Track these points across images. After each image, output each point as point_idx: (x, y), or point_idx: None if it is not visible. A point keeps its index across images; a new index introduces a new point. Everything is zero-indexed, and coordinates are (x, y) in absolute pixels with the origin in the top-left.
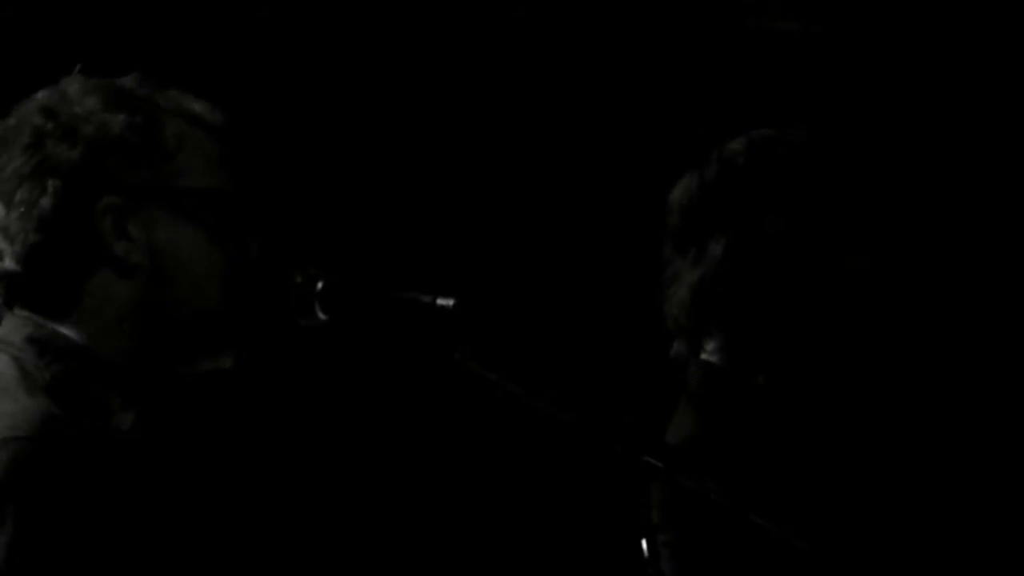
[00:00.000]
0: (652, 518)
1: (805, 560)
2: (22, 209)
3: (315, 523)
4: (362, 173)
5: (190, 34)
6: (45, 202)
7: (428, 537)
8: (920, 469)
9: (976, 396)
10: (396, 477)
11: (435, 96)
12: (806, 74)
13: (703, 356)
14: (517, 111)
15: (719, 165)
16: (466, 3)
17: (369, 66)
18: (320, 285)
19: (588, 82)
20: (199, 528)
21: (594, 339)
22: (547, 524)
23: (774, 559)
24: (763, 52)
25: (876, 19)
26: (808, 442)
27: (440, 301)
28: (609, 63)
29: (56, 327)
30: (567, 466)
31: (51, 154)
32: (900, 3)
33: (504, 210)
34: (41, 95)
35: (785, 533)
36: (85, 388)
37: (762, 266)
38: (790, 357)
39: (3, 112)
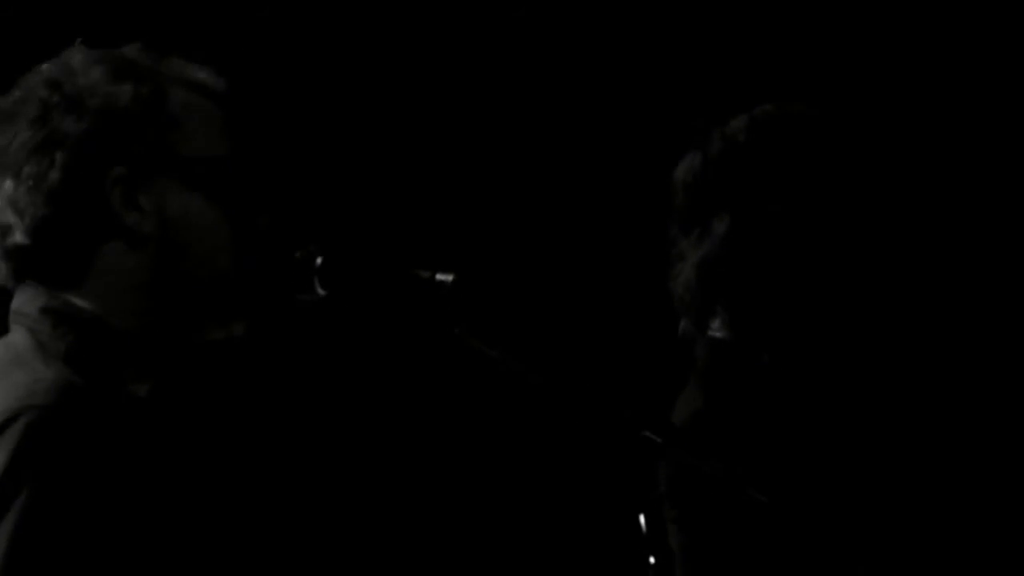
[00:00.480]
0: (653, 493)
1: (805, 535)
2: (31, 183)
3: (322, 494)
4: (362, 150)
5: (190, 19)
6: (53, 175)
7: (429, 511)
8: (920, 449)
9: (976, 380)
10: (397, 450)
11: (434, 72)
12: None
13: (710, 333)
14: (514, 89)
15: (721, 143)
16: None
17: (370, 45)
18: (319, 261)
19: (583, 59)
20: (213, 496)
21: (599, 318)
22: (549, 500)
23: (776, 535)
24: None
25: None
26: (812, 418)
27: (439, 276)
28: (602, 41)
29: (69, 297)
30: (567, 442)
31: (58, 127)
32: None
33: (507, 187)
34: (46, 67)
35: (784, 509)
36: (100, 357)
37: (765, 244)
38: (794, 334)
39: (8, 85)
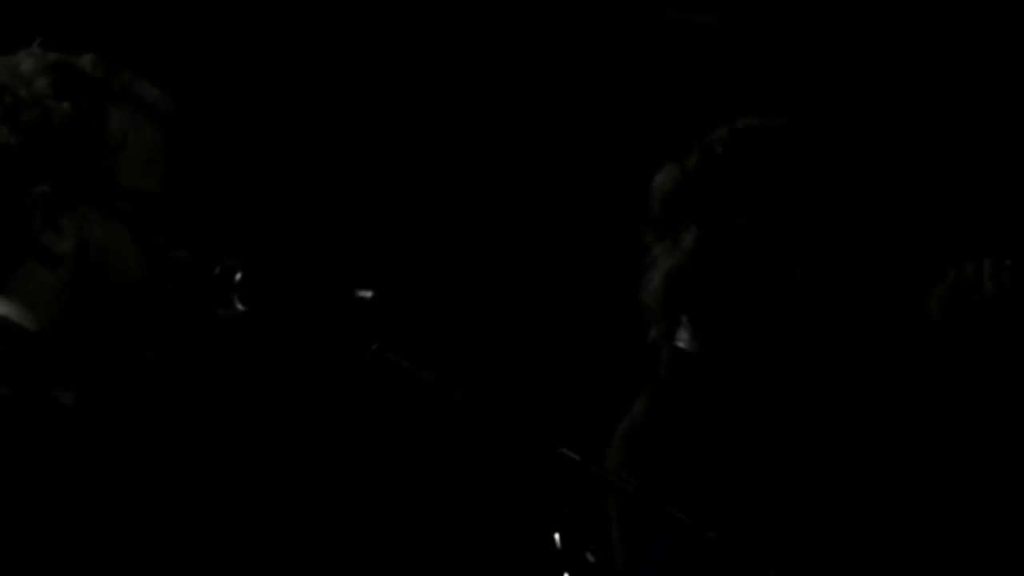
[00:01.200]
0: (568, 510)
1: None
2: None
3: (240, 505)
4: (283, 164)
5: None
6: None
7: (345, 524)
8: (887, 465)
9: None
10: (316, 464)
11: (359, 84)
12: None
13: (675, 343)
14: (440, 101)
15: (699, 154)
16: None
17: (297, 56)
18: (239, 276)
19: (512, 72)
20: (138, 503)
21: (527, 332)
22: (464, 517)
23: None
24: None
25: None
26: (770, 432)
27: (360, 292)
28: (538, 48)
29: None
30: (485, 458)
31: None
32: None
33: (428, 202)
34: None
35: (703, 527)
36: (23, 365)
37: (730, 257)
38: (757, 348)
39: None
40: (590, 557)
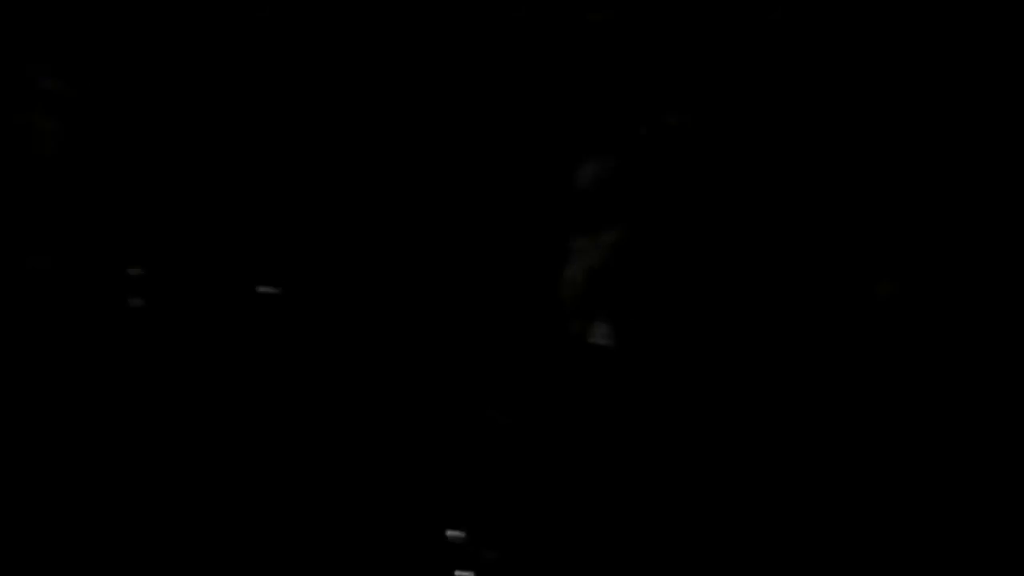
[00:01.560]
0: (462, 505)
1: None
2: None
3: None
4: (194, 162)
5: None
6: None
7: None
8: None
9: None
10: (229, 460)
11: (250, 81)
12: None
13: (592, 339)
14: (338, 97)
15: (621, 152)
16: None
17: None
18: (139, 272)
19: (412, 68)
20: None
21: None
22: (359, 515)
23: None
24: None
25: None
26: (679, 428)
27: (263, 289)
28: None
29: None
30: (380, 457)
31: None
32: None
33: (337, 199)
34: None
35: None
36: None
37: (652, 257)
38: (674, 346)
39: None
40: (490, 554)
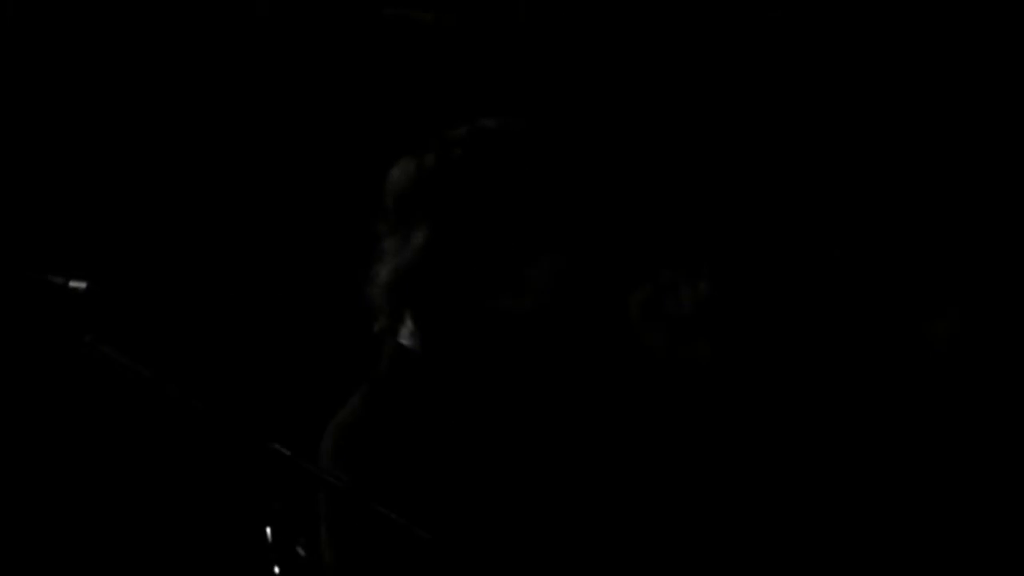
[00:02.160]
0: (279, 505)
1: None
2: None
3: None
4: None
5: None
6: None
7: (53, 516)
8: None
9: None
10: (27, 457)
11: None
12: (443, 63)
13: (398, 339)
14: (169, 93)
15: (436, 153)
16: None
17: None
18: None
19: (251, 66)
20: None
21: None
22: (176, 512)
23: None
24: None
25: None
26: (480, 432)
27: (72, 283)
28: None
29: None
30: (198, 451)
31: None
32: None
33: (144, 191)
34: None
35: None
36: None
37: (458, 260)
38: (475, 351)
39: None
40: (300, 551)
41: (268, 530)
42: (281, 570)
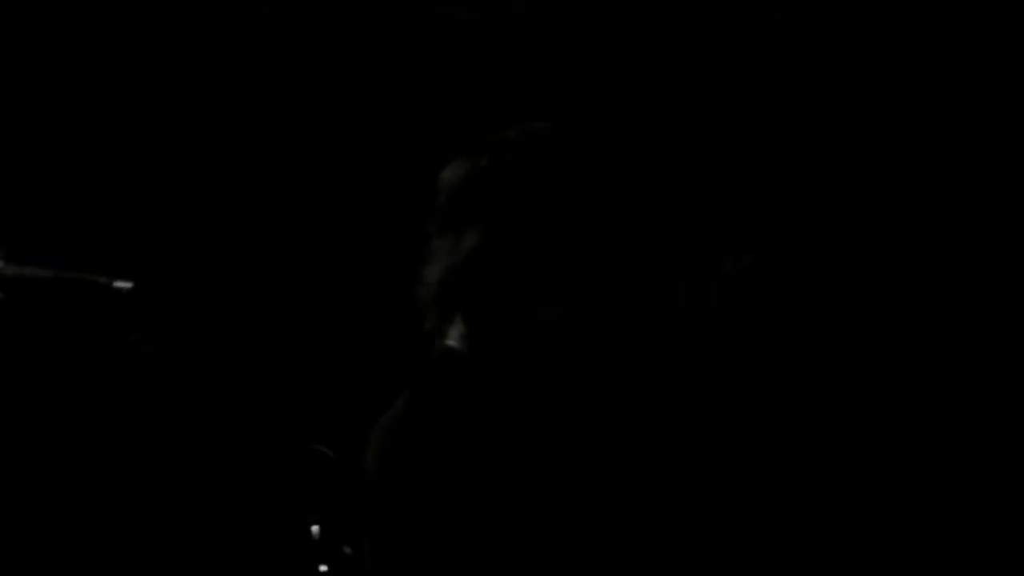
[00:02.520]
0: (327, 503)
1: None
2: None
3: None
4: (44, 151)
5: None
6: None
7: (96, 515)
8: (651, 473)
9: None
10: (72, 456)
11: (127, 78)
12: (493, 63)
13: (446, 341)
14: (205, 96)
15: (488, 154)
16: None
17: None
18: None
19: (274, 63)
20: None
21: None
22: (223, 508)
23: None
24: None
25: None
26: (526, 436)
27: (117, 283)
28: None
29: None
30: (244, 449)
31: None
32: None
33: (191, 194)
34: None
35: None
36: None
37: (509, 263)
38: (524, 355)
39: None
40: (347, 549)
41: (315, 529)
42: (328, 569)
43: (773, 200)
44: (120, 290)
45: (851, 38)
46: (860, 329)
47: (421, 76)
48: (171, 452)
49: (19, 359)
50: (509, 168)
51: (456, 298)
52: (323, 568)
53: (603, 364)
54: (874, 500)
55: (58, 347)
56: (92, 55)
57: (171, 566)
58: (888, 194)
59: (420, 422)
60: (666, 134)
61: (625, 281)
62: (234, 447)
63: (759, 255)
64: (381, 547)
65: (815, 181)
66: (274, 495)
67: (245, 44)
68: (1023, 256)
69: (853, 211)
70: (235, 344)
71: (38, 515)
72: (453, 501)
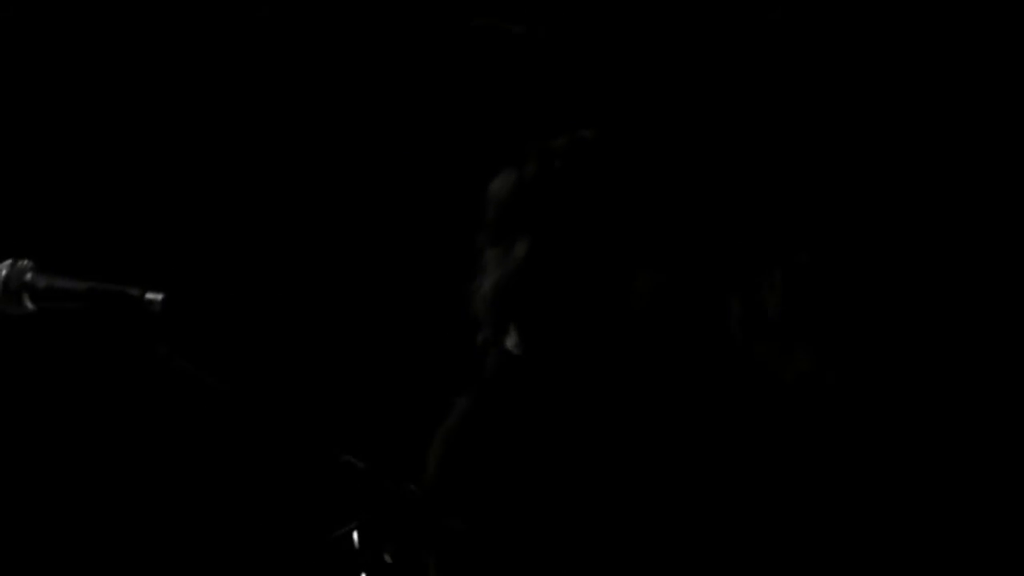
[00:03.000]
0: (366, 512)
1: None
2: None
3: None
4: (75, 163)
5: None
6: None
7: (122, 525)
8: (709, 473)
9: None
10: (107, 467)
11: (151, 83)
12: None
13: (504, 346)
14: (237, 102)
15: (536, 164)
16: None
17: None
18: (29, 276)
19: (306, 72)
20: None
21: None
22: (257, 519)
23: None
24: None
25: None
26: (587, 439)
27: (149, 295)
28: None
29: None
30: (272, 463)
31: None
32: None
33: (220, 206)
34: None
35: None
36: None
37: (561, 270)
38: (581, 360)
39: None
40: (387, 558)
41: (355, 536)
42: None
43: (812, 202)
44: (152, 302)
45: (851, 38)
46: (907, 327)
47: (469, 89)
48: (200, 464)
49: (49, 370)
50: (556, 177)
51: (510, 307)
52: None
53: (659, 367)
54: (895, 503)
55: (89, 358)
56: (94, 58)
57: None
58: (888, 192)
59: (485, 425)
60: (700, 139)
61: (677, 285)
62: (265, 457)
63: (811, 255)
64: (447, 551)
65: (829, 181)
66: (304, 506)
67: (245, 44)
68: None
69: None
70: (266, 356)
71: (65, 523)
72: (517, 503)
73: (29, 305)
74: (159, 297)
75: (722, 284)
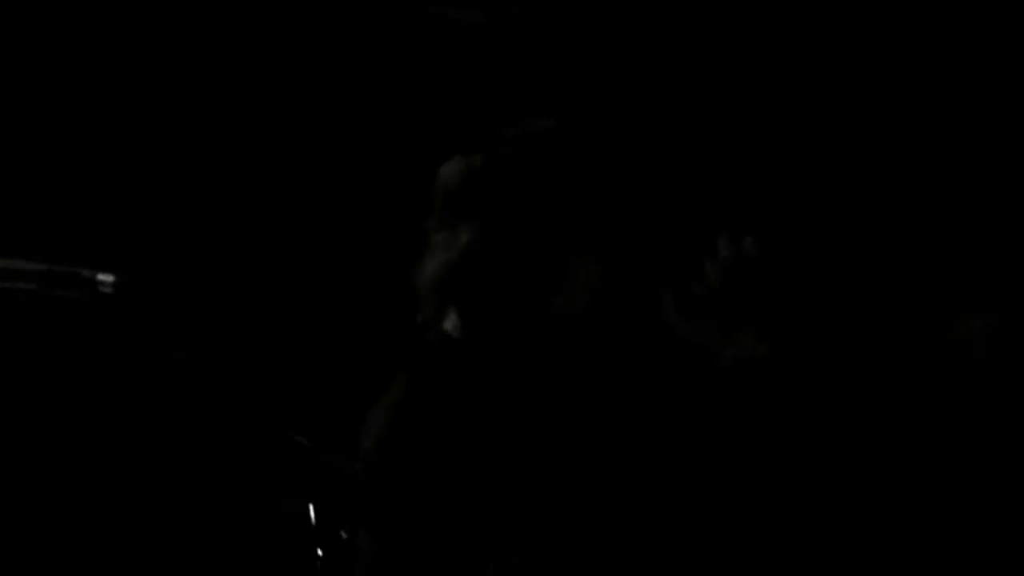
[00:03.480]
0: (323, 490)
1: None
2: None
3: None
4: (27, 147)
5: None
6: None
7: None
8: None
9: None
10: (68, 451)
11: (105, 66)
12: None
13: (442, 327)
14: (214, 92)
15: (485, 152)
16: None
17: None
18: None
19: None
20: None
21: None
22: (217, 497)
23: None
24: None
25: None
26: (520, 422)
27: (100, 276)
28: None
29: None
30: (234, 435)
31: None
32: None
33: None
34: None
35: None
36: None
37: (503, 257)
38: (518, 344)
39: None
40: (343, 534)
41: (311, 512)
42: (324, 553)
43: (771, 191)
44: (103, 283)
45: (851, 37)
46: (861, 320)
47: (423, 77)
48: (191, 451)
49: (11, 356)
50: (504, 164)
51: (452, 292)
52: (319, 552)
53: (600, 353)
54: (878, 501)
55: (45, 342)
56: (91, 54)
57: (175, 550)
58: (886, 190)
59: (418, 405)
60: (663, 130)
61: (620, 273)
62: (259, 446)
63: (758, 240)
64: (378, 530)
65: (813, 175)
66: (271, 482)
67: (244, 44)
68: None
69: (850, 203)
70: (244, 341)
71: (51, 518)
72: (450, 484)
73: None
74: (110, 278)
75: (658, 269)
